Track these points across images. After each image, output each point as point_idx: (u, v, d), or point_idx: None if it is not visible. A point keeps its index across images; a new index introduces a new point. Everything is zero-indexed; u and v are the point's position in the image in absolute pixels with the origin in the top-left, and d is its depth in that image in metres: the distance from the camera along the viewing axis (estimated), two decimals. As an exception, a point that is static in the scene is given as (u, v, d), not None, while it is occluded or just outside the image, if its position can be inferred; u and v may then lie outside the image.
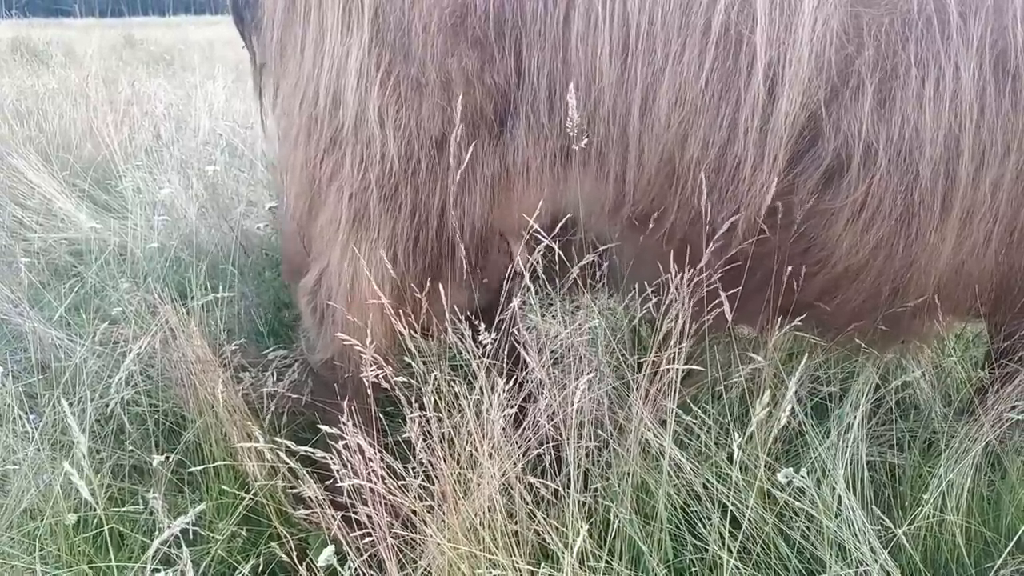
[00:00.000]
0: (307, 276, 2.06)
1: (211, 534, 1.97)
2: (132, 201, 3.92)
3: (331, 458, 1.62)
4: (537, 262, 1.91)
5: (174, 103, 6.37)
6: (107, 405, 2.23)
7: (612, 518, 1.77)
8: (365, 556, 1.66)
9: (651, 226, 1.87)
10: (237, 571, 1.81)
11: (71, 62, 9.21)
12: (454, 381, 1.80)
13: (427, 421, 1.70)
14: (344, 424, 1.61)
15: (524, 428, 1.80)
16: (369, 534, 1.62)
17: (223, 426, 2.13)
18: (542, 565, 1.64)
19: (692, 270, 1.77)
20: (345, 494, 1.64)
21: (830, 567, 1.69)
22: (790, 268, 1.84)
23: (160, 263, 3.31)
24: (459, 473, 1.70)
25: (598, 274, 2.07)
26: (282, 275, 2.88)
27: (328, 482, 1.73)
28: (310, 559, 1.65)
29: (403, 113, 1.78)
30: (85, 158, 4.93)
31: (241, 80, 7.41)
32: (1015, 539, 1.74)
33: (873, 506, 1.82)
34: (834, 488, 1.78)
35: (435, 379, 1.78)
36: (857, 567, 1.68)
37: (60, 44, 10.61)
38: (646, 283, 1.93)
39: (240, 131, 5.10)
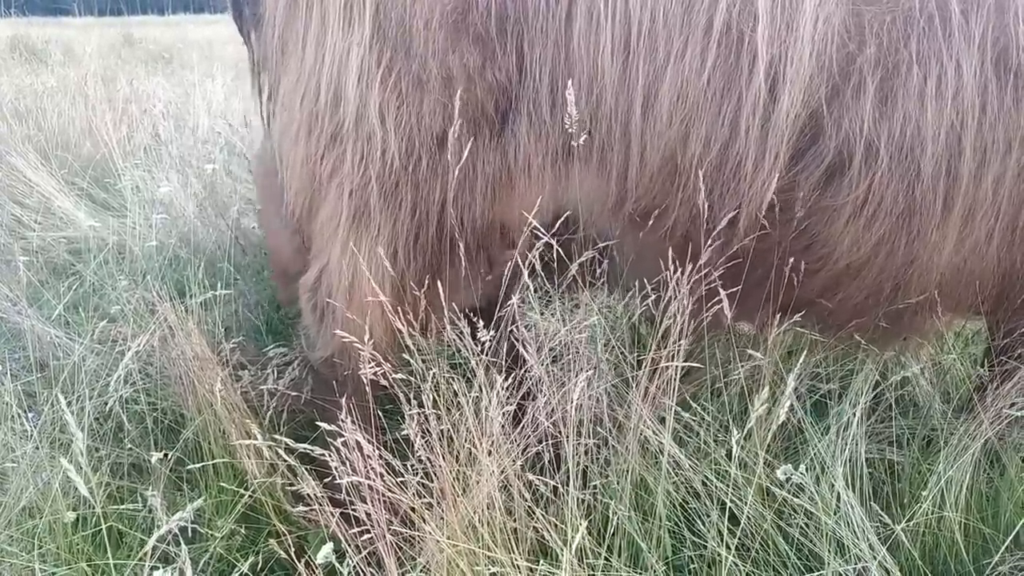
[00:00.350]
0: (307, 273, 2.05)
1: (210, 532, 1.97)
2: (131, 199, 3.92)
3: (330, 455, 1.61)
4: (536, 259, 1.91)
5: (173, 101, 6.36)
6: (106, 403, 2.23)
7: (611, 515, 1.77)
8: (364, 553, 1.66)
9: (652, 223, 1.87)
10: (236, 568, 1.80)
11: (70, 61, 9.20)
12: (453, 379, 1.80)
13: (426, 418, 1.70)
14: (343, 421, 1.60)
15: (523, 425, 1.80)
16: (368, 531, 1.62)
17: (222, 424, 2.13)
18: (541, 562, 1.64)
19: (692, 267, 1.77)
20: (344, 491, 1.64)
21: (829, 564, 1.69)
22: (791, 264, 1.83)
23: (158, 261, 3.31)
24: (458, 470, 1.69)
25: (598, 272, 2.07)
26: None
27: (327, 479, 1.73)
28: (309, 556, 1.65)
29: (404, 110, 1.78)
30: (84, 156, 4.92)
31: (240, 79, 7.41)
32: (1013, 535, 1.74)
33: (872, 503, 1.83)
34: (833, 485, 1.78)
35: (434, 376, 1.78)
36: (856, 564, 1.68)
37: (59, 43, 10.57)
38: (646, 280, 1.93)
39: (239, 130, 5.08)
